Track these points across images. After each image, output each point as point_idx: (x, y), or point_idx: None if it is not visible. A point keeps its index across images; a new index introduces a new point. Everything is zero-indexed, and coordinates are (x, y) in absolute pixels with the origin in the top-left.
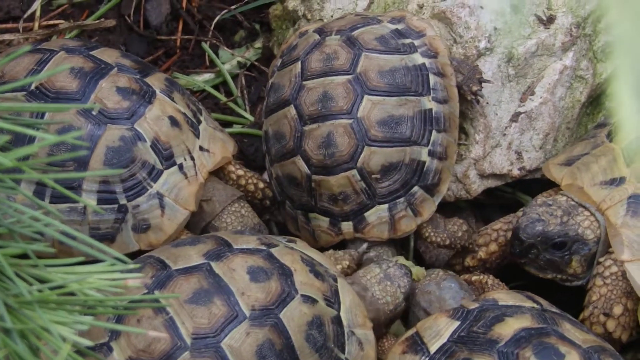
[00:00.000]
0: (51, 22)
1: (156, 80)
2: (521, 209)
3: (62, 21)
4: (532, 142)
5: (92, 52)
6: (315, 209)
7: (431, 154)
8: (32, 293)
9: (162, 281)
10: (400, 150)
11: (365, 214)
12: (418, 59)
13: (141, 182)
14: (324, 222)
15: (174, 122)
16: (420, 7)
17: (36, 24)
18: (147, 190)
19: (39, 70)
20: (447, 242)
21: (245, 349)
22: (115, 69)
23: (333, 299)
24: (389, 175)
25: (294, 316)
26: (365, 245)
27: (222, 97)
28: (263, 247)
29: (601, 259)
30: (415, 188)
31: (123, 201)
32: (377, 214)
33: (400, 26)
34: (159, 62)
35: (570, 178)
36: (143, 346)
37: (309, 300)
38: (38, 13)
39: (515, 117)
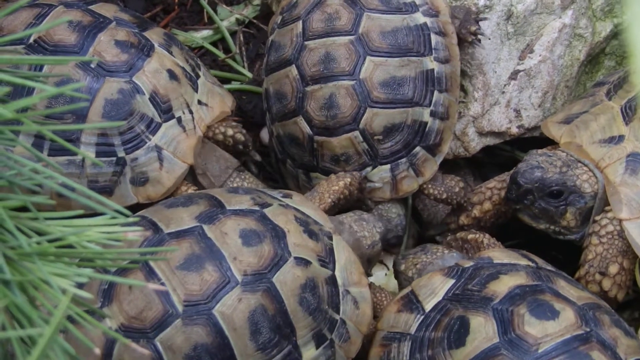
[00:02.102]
0: None
1: (155, 35)
2: (516, 167)
3: None
4: (531, 100)
5: (90, 7)
6: (317, 169)
7: (433, 114)
8: (31, 245)
9: (154, 245)
10: (402, 112)
11: (368, 173)
12: (420, 18)
13: (139, 135)
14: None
15: (172, 75)
16: None
17: None
18: (146, 143)
19: (37, 24)
20: (444, 195)
21: (238, 315)
22: (114, 22)
23: (327, 259)
24: (391, 136)
25: (287, 280)
26: (368, 169)
27: (221, 54)
28: (256, 208)
29: (597, 217)
30: (417, 148)
31: (121, 154)
32: (379, 174)
33: None
34: (157, 19)
35: (569, 136)
36: (135, 313)
37: (302, 262)
38: None
39: (514, 75)
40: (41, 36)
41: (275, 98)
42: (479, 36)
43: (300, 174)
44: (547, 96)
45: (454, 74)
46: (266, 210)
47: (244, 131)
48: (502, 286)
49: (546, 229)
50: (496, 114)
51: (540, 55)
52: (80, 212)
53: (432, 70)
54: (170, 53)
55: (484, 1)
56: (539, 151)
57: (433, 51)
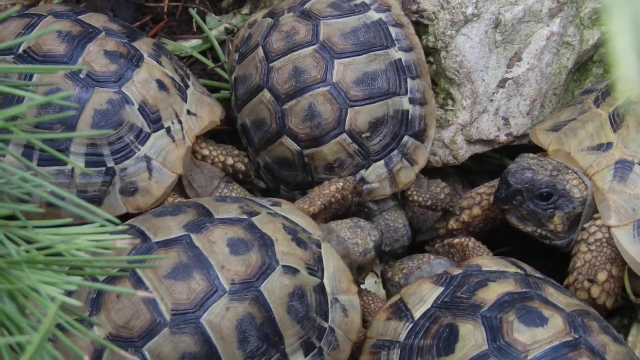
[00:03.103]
0: None
1: (144, 45)
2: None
3: None
4: (519, 107)
5: (79, 17)
6: (313, 184)
7: (412, 101)
8: (20, 253)
9: (142, 254)
10: (382, 104)
11: (364, 175)
12: (374, 15)
13: (129, 145)
14: None
15: (161, 85)
16: None
17: None
18: (135, 153)
19: (27, 34)
20: (429, 202)
21: (225, 324)
22: (103, 32)
23: (316, 267)
24: (378, 130)
25: (275, 288)
26: (358, 175)
27: (210, 63)
28: (244, 217)
29: (586, 225)
30: (406, 138)
31: (111, 164)
32: (375, 172)
33: None
34: (146, 28)
35: (558, 143)
36: (123, 322)
37: (290, 270)
38: None
39: (502, 83)
40: (30, 46)
41: (254, 127)
42: (421, 12)
43: (297, 195)
44: (535, 104)
45: (420, 60)
46: (254, 219)
47: (246, 160)
48: (491, 293)
49: (533, 232)
50: (485, 122)
51: (528, 63)
52: (70, 220)
53: (400, 59)
54: (160, 63)
55: (472, 9)
56: (530, 155)
57: (395, 42)
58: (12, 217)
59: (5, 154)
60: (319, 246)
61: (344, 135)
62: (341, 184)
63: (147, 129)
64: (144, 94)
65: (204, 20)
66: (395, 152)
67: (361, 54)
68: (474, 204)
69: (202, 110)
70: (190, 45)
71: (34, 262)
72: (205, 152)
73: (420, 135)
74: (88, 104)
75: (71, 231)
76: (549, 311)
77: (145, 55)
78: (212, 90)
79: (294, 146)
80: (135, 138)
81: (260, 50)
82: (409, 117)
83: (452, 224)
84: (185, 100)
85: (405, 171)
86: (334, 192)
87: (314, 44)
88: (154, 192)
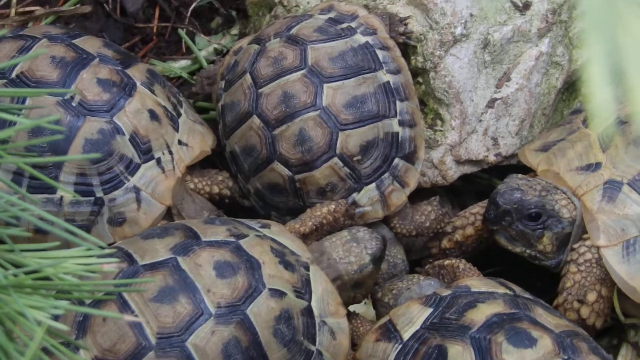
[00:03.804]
0: (27, 8)
1: (137, 72)
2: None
3: (37, 8)
4: (508, 128)
5: (74, 41)
6: (304, 210)
7: (401, 123)
8: (7, 277)
9: (129, 277)
10: (373, 127)
11: (356, 199)
12: (360, 38)
13: (118, 175)
14: None
15: (153, 115)
16: None
17: (12, 11)
18: (124, 183)
19: (20, 58)
20: (414, 232)
21: (211, 347)
22: (97, 59)
23: (304, 290)
24: (369, 153)
25: (261, 311)
26: (349, 199)
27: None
28: (232, 239)
29: (575, 246)
30: (396, 160)
31: (99, 194)
32: (367, 195)
33: (332, 14)
34: (135, 49)
35: (547, 164)
36: (108, 346)
37: (277, 293)
38: (14, 0)
39: (491, 103)
40: (24, 71)
41: (244, 154)
42: (408, 34)
43: (289, 221)
44: (524, 124)
45: (408, 82)
46: (242, 242)
47: (230, 183)
48: (480, 314)
49: (522, 252)
50: (474, 142)
51: (517, 83)
52: (57, 244)
53: (388, 82)
54: (152, 92)
55: (461, 30)
56: (519, 175)
57: (383, 65)
58: None
59: None
60: (307, 269)
61: (336, 159)
62: (333, 206)
63: (137, 160)
64: (135, 125)
65: (193, 41)
66: (386, 174)
67: (350, 78)
68: (467, 223)
69: (193, 140)
70: (179, 66)
71: (22, 286)
72: (191, 185)
73: (410, 157)
74: (79, 132)
75: (59, 255)
76: (538, 332)
77: (138, 84)
78: (202, 111)
79: (286, 171)
80: (125, 169)
81: (248, 76)
82: (399, 139)
83: (445, 243)
84: (176, 129)
85: (396, 194)
86: (325, 213)
87: (302, 69)
88: (142, 223)
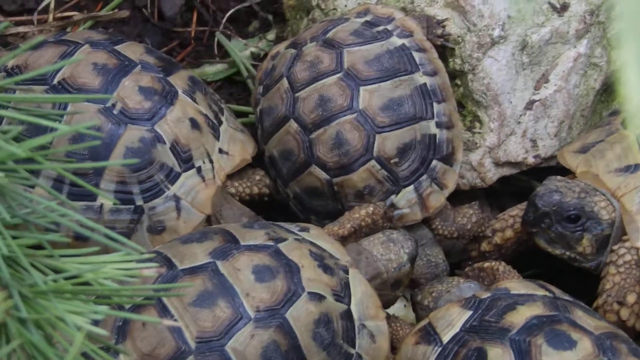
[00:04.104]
0: (65, 13)
1: (179, 80)
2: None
3: (76, 13)
4: (547, 129)
5: (116, 47)
6: (342, 212)
7: (439, 125)
8: (47, 283)
9: (168, 282)
10: (410, 129)
11: (394, 201)
12: (396, 41)
13: (158, 184)
14: None
15: (194, 124)
16: None
17: (50, 16)
18: (164, 192)
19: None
20: (455, 234)
21: (250, 351)
22: (139, 66)
23: (343, 293)
24: (406, 155)
25: (300, 315)
26: (387, 201)
27: (251, 85)
28: (271, 243)
29: (614, 247)
30: (434, 162)
31: (139, 202)
32: (405, 197)
33: (368, 17)
34: (173, 53)
35: (585, 165)
36: (148, 350)
37: (316, 297)
38: (52, 5)
39: (529, 105)
40: (66, 77)
41: (282, 159)
42: (446, 37)
43: (327, 223)
44: (563, 126)
45: (445, 84)
46: (280, 245)
47: (268, 180)
48: (519, 317)
49: (561, 254)
50: (512, 144)
51: (555, 85)
52: (97, 249)
53: (425, 84)
54: (194, 100)
55: (499, 32)
56: (558, 177)
57: (419, 67)
58: (39, 247)
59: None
60: (346, 272)
61: (373, 162)
62: (371, 208)
63: (177, 169)
64: (176, 133)
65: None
66: (424, 176)
67: (386, 80)
68: (506, 226)
69: (234, 148)
70: (216, 69)
71: (62, 291)
72: (232, 190)
73: (448, 159)
74: (120, 140)
75: (98, 260)
76: (578, 334)
77: (179, 92)
78: (240, 114)
79: (323, 175)
80: (166, 177)
81: (285, 81)
82: (437, 141)
83: (485, 246)
84: (217, 138)
85: (435, 195)
86: (364, 216)
87: (338, 72)
88: (182, 232)
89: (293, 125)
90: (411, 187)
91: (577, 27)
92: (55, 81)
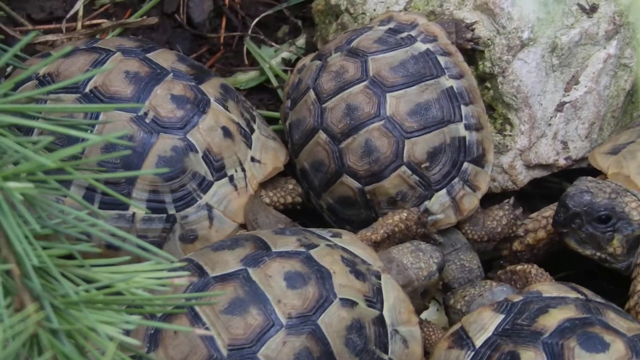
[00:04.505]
0: (94, 21)
1: (211, 88)
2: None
3: (104, 20)
4: (578, 131)
5: (148, 55)
6: (375, 220)
7: (467, 127)
8: (78, 293)
9: (199, 289)
10: (438, 133)
11: (428, 206)
12: (421, 46)
13: (191, 193)
14: None
15: (226, 132)
16: None
17: (79, 24)
18: (197, 201)
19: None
20: (485, 238)
21: (282, 358)
22: (171, 74)
23: (375, 299)
24: (437, 159)
25: (332, 321)
26: (421, 207)
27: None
28: (302, 249)
29: None
30: (465, 164)
31: (172, 211)
32: (438, 201)
33: (391, 25)
34: (202, 59)
35: (617, 167)
36: (180, 358)
37: (348, 303)
38: (81, 13)
39: (560, 106)
40: (97, 86)
41: (313, 170)
42: (476, 40)
43: None
44: (593, 127)
45: (472, 86)
46: (312, 252)
47: (299, 189)
48: (552, 320)
49: (592, 255)
50: (543, 146)
51: (585, 87)
52: (127, 258)
53: (451, 87)
54: (226, 108)
55: (528, 34)
56: (589, 178)
57: (445, 70)
58: (70, 257)
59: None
60: (378, 277)
61: (404, 168)
62: (405, 214)
63: (210, 177)
64: (208, 142)
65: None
66: (456, 179)
67: (412, 86)
68: (539, 227)
69: (266, 156)
70: (248, 77)
71: (93, 302)
72: (267, 200)
73: (479, 161)
74: (152, 149)
75: (129, 269)
76: (611, 336)
77: (212, 100)
78: (270, 121)
79: (355, 184)
80: (198, 186)
81: (311, 92)
82: (467, 143)
83: (517, 245)
84: (249, 146)
85: (468, 198)
86: (397, 221)
87: (364, 80)
88: (214, 241)
89: (322, 136)
90: (443, 190)
91: (606, 28)
92: (87, 89)
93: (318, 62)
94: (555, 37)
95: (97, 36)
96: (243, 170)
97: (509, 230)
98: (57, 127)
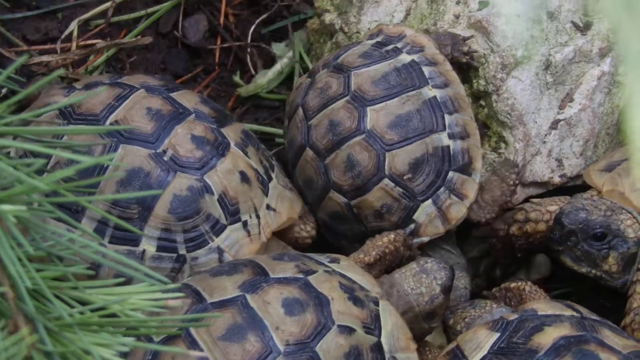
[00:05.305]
0: (89, 41)
1: (232, 132)
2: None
3: (99, 40)
4: (572, 148)
5: (172, 94)
6: (368, 234)
7: (451, 136)
8: (72, 315)
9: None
10: (420, 144)
11: (414, 217)
12: (405, 58)
13: (203, 234)
14: None
15: (244, 177)
16: (457, 17)
17: (74, 44)
18: (208, 243)
19: (116, 106)
20: (496, 209)
21: None
22: (193, 115)
23: (373, 326)
24: (420, 170)
25: (330, 348)
26: (406, 230)
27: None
28: (300, 276)
29: None
30: (451, 173)
31: (182, 251)
32: (424, 212)
33: (379, 38)
34: (197, 79)
35: (611, 184)
36: None
37: (346, 330)
38: (75, 33)
39: (554, 124)
40: (118, 120)
41: (306, 188)
42: (472, 54)
43: (358, 247)
44: (588, 144)
45: (458, 94)
46: (310, 278)
47: (310, 227)
48: (547, 338)
49: (587, 272)
50: (538, 164)
51: (580, 104)
52: (121, 280)
53: (434, 97)
54: (246, 153)
55: (522, 52)
56: (584, 195)
57: (429, 80)
58: (64, 279)
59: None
60: (376, 304)
61: (386, 180)
62: (392, 236)
63: (223, 221)
64: (225, 185)
65: (255, 69)
66: (442, 189)
67: (393, 98)
68: (541, 219)
69: (282, 206)
70: (267, 78)
71: (87, 324)
72: (304, 233)
73: (465, 169)
74: (168, 187)
75: (124, 291)
76: (606, 354)
77: (232, 144)
78: (266, 139)
79: (342, 199)
80: (211, 228)
81: (300, 110)
82: (451, 152)
83: (514, 229)
84: (266, 194)
85: (455, 207)
86: (386, 243)
87: (345, 96)
88: None
89: (309, 153)
90: (429, 201)
91: (600, 46)
92: (107, 123)
93: (308, 80)
94: (550, 55)
95: (92, 56)
96: (258, 217)
97: (508, 187)
98: (48, 149)
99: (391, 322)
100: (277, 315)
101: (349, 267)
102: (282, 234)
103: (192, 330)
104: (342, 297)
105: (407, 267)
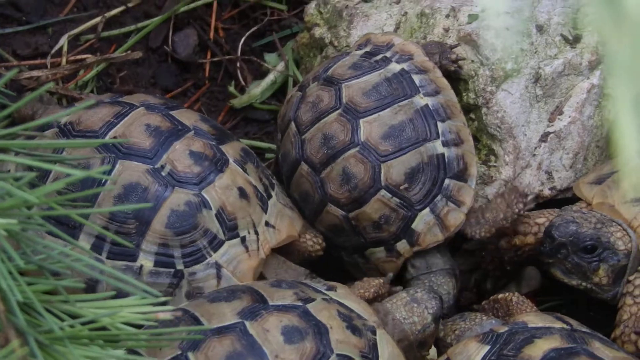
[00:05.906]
0: (79, 56)
1: (231, 149)
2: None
3: (89, 55)
4: (562, 161)
5: (171, 112)
6: (367, 245)
7: (445, 143)
8: (63, 329)
9: (196, 342)
10: (414, 153)
11: (413, 226)
12: (395, 67)
13: (201, 249)
14: (380, 252)
15: (242, 193)
16: (446, 30)
17: (64, 59)
18: (206, 259)
19: (115, 123)
20: (493, 230)
21: None
22: (192, 132)
23: (370, 354)
24: (416, 179)
25: None
26: (390, 275)
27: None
28: (299, 303)
29: (631, 277)
30: (447, 181)
31: (180, 266)
32: (423, 221)
33: (368, 48)
34: (188, 94)
35: (601, 196)
36: None
37: (345, 359)
38: (65, 48)
39: (544, 137)
40: (117, 136)
41: (302, 202)
42: (460, 62)
43: (357, 258)
44: (578, 157)
45: (450, 101)
46: (309, 306)
47: (320, 240)
48: (537, 350)
49: (578, 285)
50: (528, 176)
51: (569, 117)
52: (112, 293)
53: (426, 105)
54: (245, 170)
55: (512, 65)
56: (574, 207)
57: (420, 89)
58: (55, 292)
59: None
60: (374, 333)
61: (383, 192)
62: (380, 281)
63: (221, 236)
64: (223, 200)
65: (246, 82)
66: (439, 197)
67: (385, 108)
68: (530, 232)
69: (281, 223)
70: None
71: (78, 337)
72: (310, 243)
73: (461, 176)
74: (165, 202)
75: (114, 304)
76: None
77: (231, 161)
78: (257, 153)
79: (339, 212)
80: (209, 244)
81: (292, 124)
82: (446, 159)
83: (503, 243)
84: (265, 211)
85: (453, 214)
86: (378, 286)
87: (338, 109)
88: None
89: (304, 167)
90: (427, 209)
91: (589, 59)
92: (106, 138)
93: (299, 93)
94: (539, 68)
95: (82, 71)
96: (256, 233)
97: (512, 214)
98: (40, 163)
99: (388, 351)
100: (276, 343)
101: (345, 295)
102: (291, 248)
103: (191, 356)
104: (340, 325)
105: (396, 296)
